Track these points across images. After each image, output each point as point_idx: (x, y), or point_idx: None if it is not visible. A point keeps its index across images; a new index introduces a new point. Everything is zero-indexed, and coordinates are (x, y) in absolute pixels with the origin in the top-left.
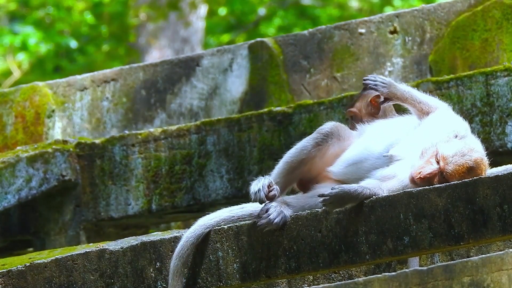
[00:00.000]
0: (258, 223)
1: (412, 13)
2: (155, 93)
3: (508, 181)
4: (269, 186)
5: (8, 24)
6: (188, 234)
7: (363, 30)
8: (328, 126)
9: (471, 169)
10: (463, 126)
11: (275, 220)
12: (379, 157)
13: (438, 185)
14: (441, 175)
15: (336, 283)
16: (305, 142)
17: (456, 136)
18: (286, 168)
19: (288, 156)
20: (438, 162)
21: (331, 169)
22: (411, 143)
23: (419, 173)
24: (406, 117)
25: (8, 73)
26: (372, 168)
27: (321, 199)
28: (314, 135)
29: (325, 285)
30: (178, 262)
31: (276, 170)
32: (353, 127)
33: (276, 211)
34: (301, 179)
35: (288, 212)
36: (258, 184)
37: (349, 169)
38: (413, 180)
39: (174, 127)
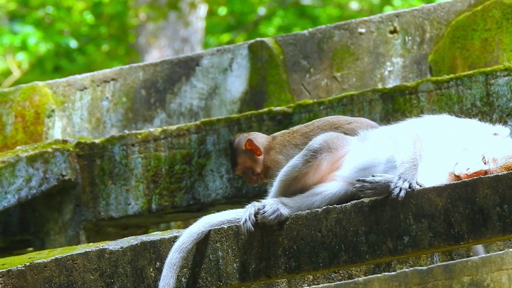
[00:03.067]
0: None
1: (412, 12)
2: (155, 92)
3: (507, 181)
4: (255, 214)
5: (8, 24)
6: (192, 230)
7: (363, 30)
8: (317, 142)
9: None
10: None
11: (270, 217)
12: (388, 161)
13: (438, 185)
14: (485, 174)
15: (336, 283)
16: (296, 160)
17: (495, 134)
18: (282, 186)
19: (282, 174)
20: (485, 163)
21: (339, 173)
22: (436, 144)
23: (467, 169)
24: (409, 121)
25: (8, 73)
26: (384, 172)
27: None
28: (303, 152)
29: (325, 284)
30: (177, 255)
31: (274, 188)
32: (253, 181)
33: (272, 208)
34: (300, 190)
35: (285, 211)
36: (245, 214)
37: (360, 174)
38: (456, 177)
39: (174, 127)
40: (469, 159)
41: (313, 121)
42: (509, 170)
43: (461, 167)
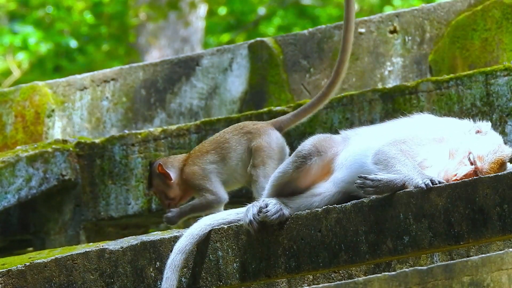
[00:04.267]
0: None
1: (412, 12)
2: (155, 92)
3: (508, 181)
4: (259, 212)
5: (8, 24)
6: (193, 231)
7: (363, 30)
8: (306, 147)
9: (503, 164)
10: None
11: (273, 217)
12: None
13: (438, 185)
14: (475, 174)
15: (336, 283)
16: (286, 166)
17: (477, 132)
18: (274, 189)
19: (274, 179)
20: (472, 163)
21: (334, 177)
22: (421, 153)
23: (455, 175)
24: (388, 125)
25: (8, 73)
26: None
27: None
28: (293, 158)
29: (325, 284)
30: (179, 257)
31: (267, 191)
32: (165, 205)
33: (275, 208)
34: (293, 192)
35: (286, 211)
36: (248, 215)
37: (349, 184)
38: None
39: (174, 127)
40: (455, 163)
41: None
42: (501, 165)
43: (449, 173)
